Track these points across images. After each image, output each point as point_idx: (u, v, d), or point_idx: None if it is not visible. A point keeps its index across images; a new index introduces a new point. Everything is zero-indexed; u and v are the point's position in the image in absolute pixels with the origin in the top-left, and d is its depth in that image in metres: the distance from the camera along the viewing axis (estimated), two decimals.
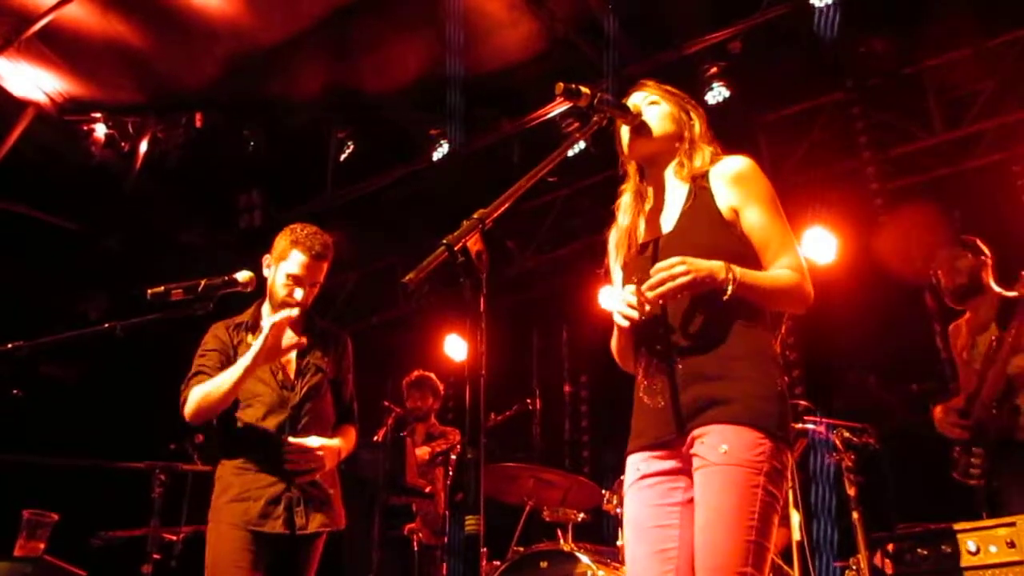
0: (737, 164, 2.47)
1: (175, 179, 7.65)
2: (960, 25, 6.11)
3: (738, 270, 2.25)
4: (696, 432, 2.24)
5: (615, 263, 2.66)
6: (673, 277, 2.20)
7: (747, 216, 2.41)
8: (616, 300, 2.34)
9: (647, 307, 2.26)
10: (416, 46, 6.70)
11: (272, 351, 3.19)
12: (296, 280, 3.42)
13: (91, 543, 5.09)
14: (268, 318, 3.29)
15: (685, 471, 2.30)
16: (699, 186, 2.47)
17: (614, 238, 2.66)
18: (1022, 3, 5.96)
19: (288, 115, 7.45)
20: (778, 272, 2.37)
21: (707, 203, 2.44)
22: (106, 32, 6.35)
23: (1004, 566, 3.74)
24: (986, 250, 4.52)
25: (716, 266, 2.24)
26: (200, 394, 3.25)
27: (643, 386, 2.41)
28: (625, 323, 2.30)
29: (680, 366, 2.31)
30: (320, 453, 3.31)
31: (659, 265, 2.24)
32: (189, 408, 3.28)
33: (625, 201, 2.66)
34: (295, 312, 3.31)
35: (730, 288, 2.23)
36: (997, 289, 4.41)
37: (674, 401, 2.29)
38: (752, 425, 2.19)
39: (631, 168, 2.68)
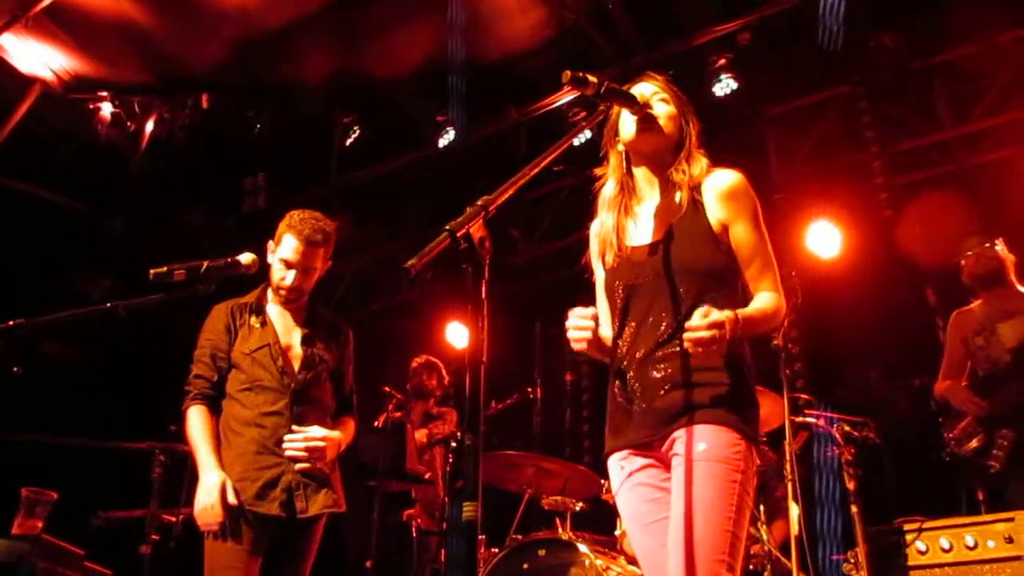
0: (730, 179, 2.50)
1: (180, 160, 7.64)
2: (969, 20, 6.07)
3: (741, 316, 2.29)
4: (676, 434, 2.32)
5: (598, 261, 2.67)
6: (710, 338, 2.18)
7: (735, 232, 2.46)
8: (570, 324, 2.40)
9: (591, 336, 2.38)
10: (424, 32, 6.68)
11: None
12: (287, 264, 3.44)
13: (90, 523, 5.10)
14: (208, 490, 3.18)
15: (664, 464, 2.39)
16: (693, 198, 2.49)
17: (599, 235, 2.65)
18: None
19: (294, 99, 7.43)
20: (765, 300, 2.42)
21: (700, 217, 2.47)
22: (113, 10, 6.33)
23: (1002, 561, 3.75)
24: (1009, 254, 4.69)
25: (729, 318, 2.24)
26: (188, 431, 3.36)
27: (620, 390, 2.46)
28: (581, 347, 2.38)
29: (659, 374, 2.37)
30: (322, 444, 3.32)
31: (697, 322, 2.20)
32: (186, 430, 3.39)
33: (609, 193, 2.64)
34: (215, 524, 3.16)
35: (738, 334, 2.28)
36: (1020, 287, 4.54)
37: (654, 405, 2.36)
38: (730, 426, 2.28)
39: (614, 156, 2.66)
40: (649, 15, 6.44)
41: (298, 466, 3.28)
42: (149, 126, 7.33)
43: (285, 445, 3.28)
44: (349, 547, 5.44)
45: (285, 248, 3.43)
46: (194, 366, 3.44)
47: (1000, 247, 4.61)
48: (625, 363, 2.45)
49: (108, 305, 2.98)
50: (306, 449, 3.29)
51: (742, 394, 2.34)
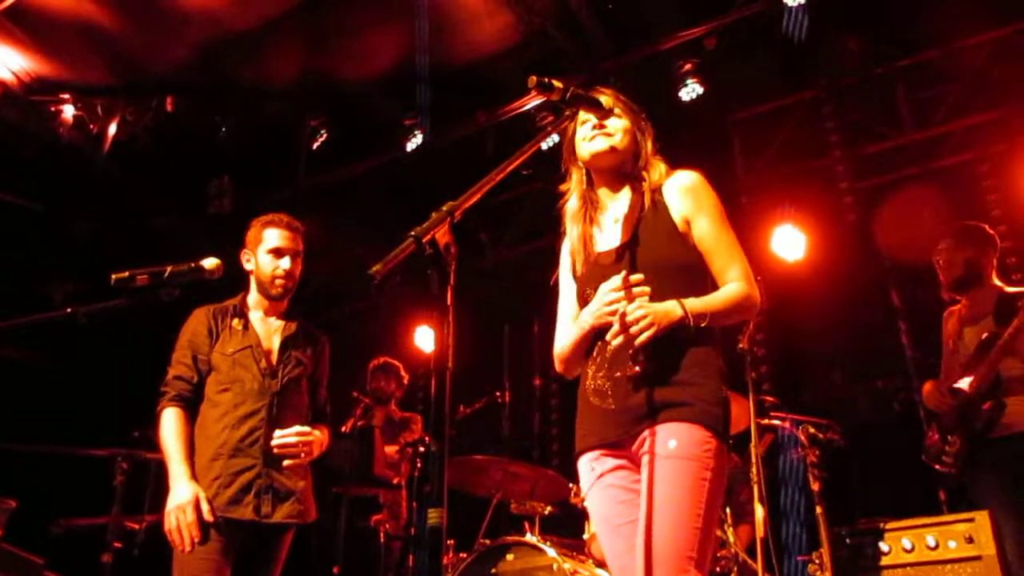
0: (688, 178, 2.57)
1: (144, 163, 7.55)
2: (930, 26, 6.18)
3: (688, 304, 2.35)
4: (647, 432, 2.32)
5: (568, 274, 2.70)
6: (640, 330, 2.28)
7: (698, 226, 2.50)
8: (599, 303, 2.41)
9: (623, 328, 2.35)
10: (392, 35, 6.65)
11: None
12: (278, 253, 3.50)
13: (50, 531, 5.01)
14: (182, 507, 3.11)
15: (635, 465, 2.40)
16: (655, 199, 2.54)
17: (567, 250, 2.70)
18: (989, 6, 6.05)
19: (261, 101, 7.37)
20: (728, 290, 2.46)
21: (663, 217, 2.51)
22: (76, 11, 6.24)
23: (962, 561, 3.81)
24: (991, 234, 4.49)
25: (671, 308, 2.33)
26: (162, 434, 3.30)
27: (591, 388, 2.47)
28: (611, 320, 2.36)
29: (632, 372, 2.37)
30: (311, 439, 3.35)
31: (628, 318, 2.29)
32: (159, 432, 3.33)
33: (573, 207, 2.69)
34: (189, 544, 3.10)
35: (691, 322, 2.32)
36: (997, 283, 4.41)
37: (625, 404, 2.37)
38: (701, 424, 2.29)
39: (575, 172, 2.71)
40: (616, 20, 6.47)
41: (286, 462, 3.29)
42: (112, 128, 7.23)
43: (275, 441, 3.28)
44: (316, 553, 5.39)
45: (270, 239, 3.51)
46: (172, 367, 3.41)
47: (967, 248, 4.42)
48: (597, 364, 2.47)
49: (68, 310, 2.94)
50: (298, 444, 3.30)
51: (713, 393, 2.35)
